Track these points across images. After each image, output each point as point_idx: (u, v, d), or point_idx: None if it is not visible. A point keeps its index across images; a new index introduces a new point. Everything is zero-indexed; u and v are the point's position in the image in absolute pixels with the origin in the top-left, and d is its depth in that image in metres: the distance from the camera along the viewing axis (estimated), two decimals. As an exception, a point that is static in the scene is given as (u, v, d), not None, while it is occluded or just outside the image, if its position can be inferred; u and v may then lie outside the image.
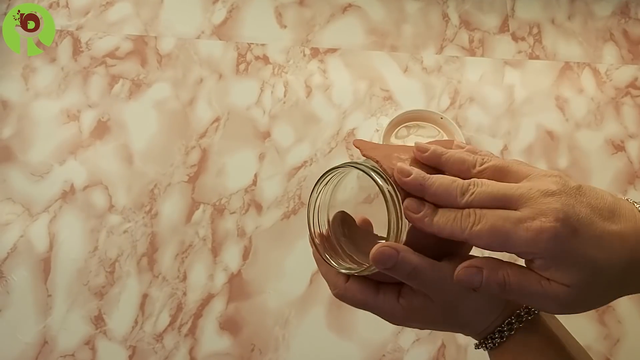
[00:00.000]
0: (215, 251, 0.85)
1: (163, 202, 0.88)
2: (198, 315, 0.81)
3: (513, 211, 0.33)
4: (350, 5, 1.06)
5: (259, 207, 0.88)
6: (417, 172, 0.35)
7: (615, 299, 0.36)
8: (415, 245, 0.36)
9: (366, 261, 0.37)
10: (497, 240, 0.33)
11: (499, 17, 1.07)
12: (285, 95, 0.97)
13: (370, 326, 0.81)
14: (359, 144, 0.40)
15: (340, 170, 0.38)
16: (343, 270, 0.38)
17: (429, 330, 0.81)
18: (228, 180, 0.90)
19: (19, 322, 0.79)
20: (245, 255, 0.85)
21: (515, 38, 1.06)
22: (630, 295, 0.86)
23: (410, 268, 0.35)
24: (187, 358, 0.79)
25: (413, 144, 0.39)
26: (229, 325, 0.81)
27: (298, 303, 0.82)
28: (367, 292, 0.38)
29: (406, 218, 0.35)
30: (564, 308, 0.34)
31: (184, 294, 0.82)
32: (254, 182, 0.90)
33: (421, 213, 0.35)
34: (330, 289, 0.40)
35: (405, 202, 0.35)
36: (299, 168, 0.92)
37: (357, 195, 0.42)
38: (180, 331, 0.80)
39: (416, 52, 1.03)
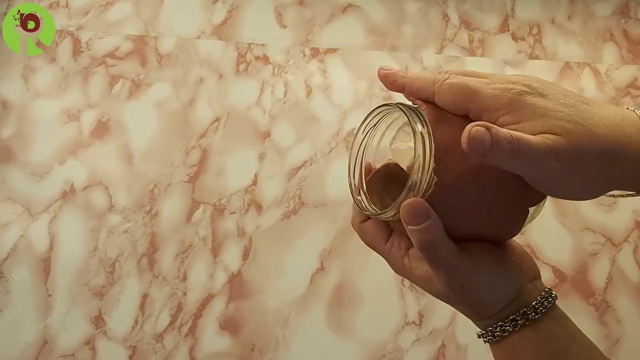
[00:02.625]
0: (215, 251, 0.85)
1: (163, 202, 0.88)
2: (198, 315, 0.81)
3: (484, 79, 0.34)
4: (350, 5, 1.06)
5: (259, 207, 0.88)
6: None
7: (608, 187, 0.33)
8: (436, 199, 0.34)
9: (388, 206, 0.36)
10: (465, 94, 0.33)
11: (499, 17, 1.07)
12: (285, 95, 0.97)
13: (370, 326, 0.81)
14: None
15: (385, 110, 0.38)
16: (366, 212, 0.38)
17: (429, 330, 0.81)
18: (228, 180, 0.90)
19: (19, 322, 0.79)
20: (245, 255, 0.85)
21: (515, 38, 1.06)
22: (630, 295, 0.85)
23: (428, 238, 0.34)
24: (187, 358, 0.79)
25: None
26: (229, 325, 0.81)
27: (298, 303, 0.82)
28: (377, 237, 0.38)
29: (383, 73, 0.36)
30: (554, 159, 0.31)
31: (184, 294, 0.82)
32: (254, 182, 0.90)
33: (400, 71, 0.37)
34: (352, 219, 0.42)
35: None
36: (299, 168, 0.92)
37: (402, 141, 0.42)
38: (180, 331, 0.80)
39: (416, 52, 1.03)
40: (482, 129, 0.31)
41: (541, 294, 0.37)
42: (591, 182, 0.32)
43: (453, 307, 0.39)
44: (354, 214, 0.41)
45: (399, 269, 0.38)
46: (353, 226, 0.41)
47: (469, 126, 0.31)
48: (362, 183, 0.40)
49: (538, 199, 0.37)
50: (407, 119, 0.35)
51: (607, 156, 0.32)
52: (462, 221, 0.36)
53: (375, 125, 0.40)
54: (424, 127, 0.35)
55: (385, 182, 0.41)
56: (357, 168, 0.40)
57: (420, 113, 0.35)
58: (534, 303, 0.37)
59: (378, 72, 0.38)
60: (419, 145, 0.34)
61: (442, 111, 0.36)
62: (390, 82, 0.37)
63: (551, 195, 0.35)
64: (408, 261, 0.38)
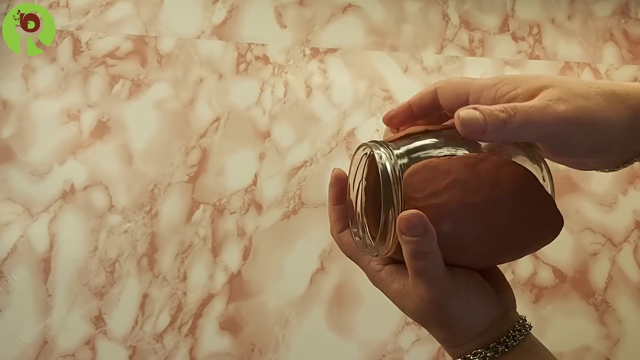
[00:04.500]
0: (215, 251, 0.85)
1: (163, 202, 0.88)
2: (198, 315, 0.81)
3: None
4: (350, 5, 1.06)
5: (259, 207, 0.88)
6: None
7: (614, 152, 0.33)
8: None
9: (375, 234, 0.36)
10: (464, 81, 0.34)
11: (499, 17, 1.07)
12: (285, 95, 0.97)
13: (370, 326, 0.81)
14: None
15: (364, 150, 0.38)
16: (357, 238, 0.38)
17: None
18: (228, 180, 0.90)
19: (19, 322, 0.79)
20: (245, 255, 0.85)
21: (515, 38, 1.06)
22: (630, 295, 0.85)
23: (425, 249, 0.33)
24: (187, 358, 0.79)
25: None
26: (229, 325, 0.81)
27: (298, 303, 0.82)
28: (355, 249, 0.39)
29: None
30: (555, 105, 0.31)
31: (184, 294, 0.82)
32: (254, 182, 0.90)
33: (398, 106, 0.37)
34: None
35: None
36: (299, 168, 0.92)
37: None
38: (180, 331, 0.80)
39: (416, 52, 1.03)
40: (470, 109, 0.31)
41: (514, 326, 0.37)
42: (604, 132, 0.31)
43: (425, 327, 0.38)
44: (331, 224, 0.40)
45: (375, 282, 0.39)
46: (332, 236, 0.41)
47: (456, 113, 0.31)
48: (355, 210, 0.39)
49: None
50: (373, 153, 0.35)
51: (606, 95, 0.31)
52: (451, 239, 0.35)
53: (361, 170, 0.39)
54: (388, 158, 0.34)
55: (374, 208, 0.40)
56: (362, 217, 0.39)
57: (386, 144, 0.35)
58: (506, 335, 0.36)
59: (383, 119, 0.39)
60: (384, 176, 0.34)
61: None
62: (392, 117, 0.38)
63: (570, 158, 0.34)
64: (385, 275, 0.38)
